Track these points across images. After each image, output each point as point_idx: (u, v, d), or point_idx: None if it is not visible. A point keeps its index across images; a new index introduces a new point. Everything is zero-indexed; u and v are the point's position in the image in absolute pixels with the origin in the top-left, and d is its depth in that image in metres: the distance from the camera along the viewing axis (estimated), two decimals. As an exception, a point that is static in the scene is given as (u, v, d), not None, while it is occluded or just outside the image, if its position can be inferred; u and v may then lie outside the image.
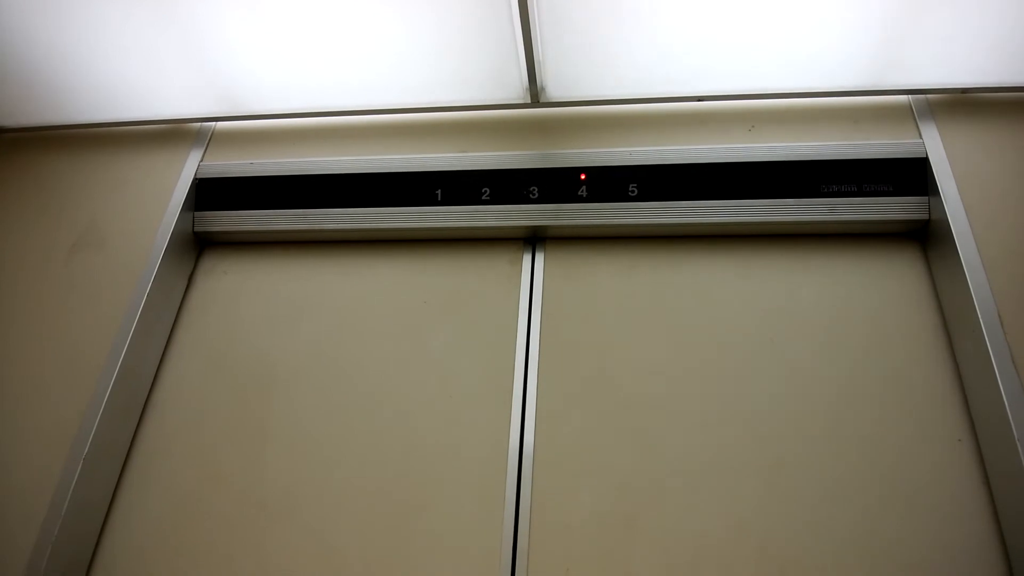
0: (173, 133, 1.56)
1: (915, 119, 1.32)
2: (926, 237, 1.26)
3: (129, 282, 1.38)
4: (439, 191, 1.38)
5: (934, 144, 1.27)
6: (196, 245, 1.49)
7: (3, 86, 1.48)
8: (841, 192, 1.26)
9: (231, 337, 1.38)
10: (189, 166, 1.50)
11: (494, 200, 1.36)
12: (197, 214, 1.47)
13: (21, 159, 1.60)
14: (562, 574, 1.08)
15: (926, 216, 1.24)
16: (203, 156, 1.52)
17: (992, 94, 1.31)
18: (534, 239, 1.40)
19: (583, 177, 1.34)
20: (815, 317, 1.23)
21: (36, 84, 1.46)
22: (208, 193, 1.47)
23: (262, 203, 1.44)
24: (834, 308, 1.23)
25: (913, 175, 1.26)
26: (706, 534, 1.09)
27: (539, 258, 1.37)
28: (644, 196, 1.32)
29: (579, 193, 1.34)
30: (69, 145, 1.60)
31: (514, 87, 1.39)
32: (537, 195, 1.35)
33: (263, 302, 1.41)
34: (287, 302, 1.40)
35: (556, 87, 1.39)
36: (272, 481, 1.23)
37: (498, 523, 1.14)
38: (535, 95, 1.39)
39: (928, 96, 1.33)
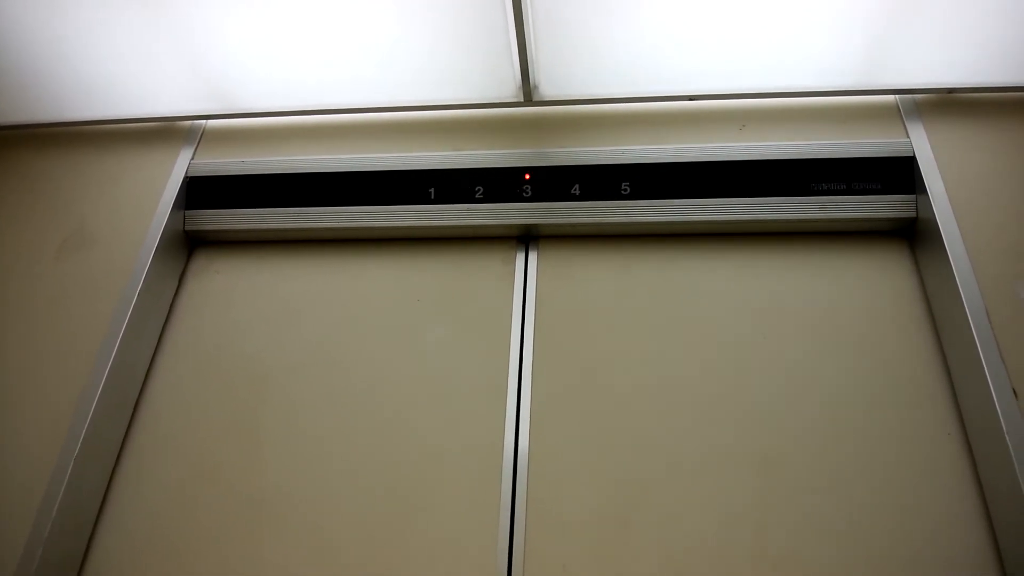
0: (164, 131, 1.55)
1: (902, 118, 1.34)
2: (914, 234, 1.28)
3: (119, 281, 1.36)
4: (432, 189, 1.39)
5: (921, 143, 1.29)
6: (187, 244, 1.48)
7: (-8, 84, 1.47)
8: (831, 190, 1.28)
9: (222, 336, 1.38)
10: (180, 164, 1.49)
11: (487, 199, 1.36)
12: (188, 213, 1.46)
13: (10, 156, 1.59)
14: (559, 571, 1.09)
15: (914, 214, 1.25)
16: (194, 154, 1.51)
17: (978, 94, 1.33)
18: (527, 237, 1.40)
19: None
20: (805, 314, 1.24)
21: (26, 81, 1.45)
22: (199, 192, 1.46)
23: (253, 202, 1.43)
24: (824, 305, 1.25)
25: (901, 173, 1.27)
26: (701, 532, 1.09)
27: (532, 256, 1.38)
28: (636, 194, 1.32)
29: (572, 191, 1.34)
30: (59, 143, 1.58)
31: (507, 85, 1.39)
32: (530, 193, 1.35)
33: (254, 301, 1.40)
34: (279, 301, 1.39)
35: (549, 86, 1.39)
36: (265, 480, 1.22)
37: (494, 521, 1.14)
38: (528, 93, 1.40)
39: (915, 96, 1.35)
